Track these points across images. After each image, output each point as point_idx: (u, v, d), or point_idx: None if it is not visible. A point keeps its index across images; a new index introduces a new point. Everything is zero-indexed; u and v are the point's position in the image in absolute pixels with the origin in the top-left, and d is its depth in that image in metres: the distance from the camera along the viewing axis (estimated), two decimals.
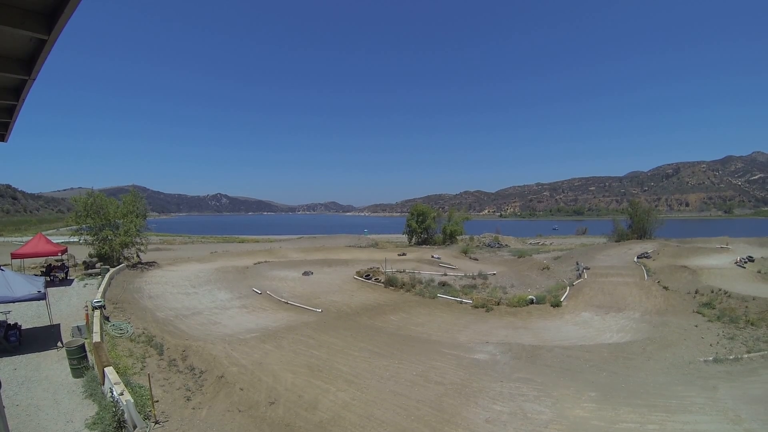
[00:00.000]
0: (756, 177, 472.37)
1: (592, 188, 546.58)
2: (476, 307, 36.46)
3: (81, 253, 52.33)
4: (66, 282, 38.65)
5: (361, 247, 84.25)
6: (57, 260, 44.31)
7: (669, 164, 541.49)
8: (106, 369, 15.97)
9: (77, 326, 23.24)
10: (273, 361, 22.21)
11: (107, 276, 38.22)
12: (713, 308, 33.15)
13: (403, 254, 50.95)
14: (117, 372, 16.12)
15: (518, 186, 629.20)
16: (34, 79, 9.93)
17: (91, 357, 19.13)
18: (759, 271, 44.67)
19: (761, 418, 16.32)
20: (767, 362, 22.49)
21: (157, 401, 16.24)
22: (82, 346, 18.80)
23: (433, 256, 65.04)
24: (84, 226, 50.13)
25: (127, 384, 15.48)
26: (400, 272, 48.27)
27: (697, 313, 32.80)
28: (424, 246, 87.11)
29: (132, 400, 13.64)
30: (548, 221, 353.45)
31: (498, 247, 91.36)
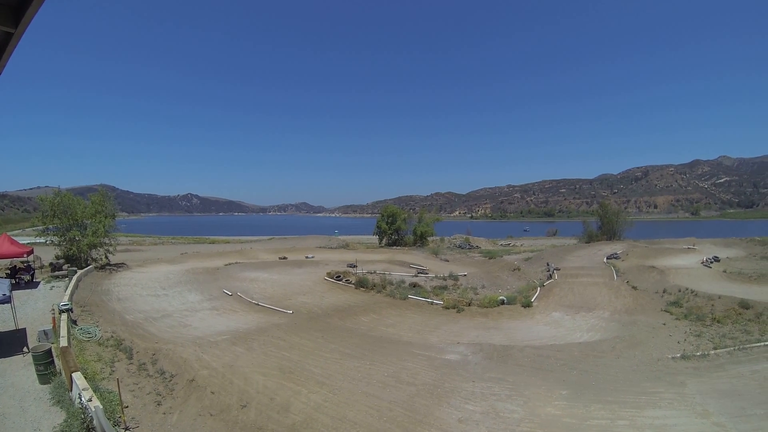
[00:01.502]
0: (722, 180, 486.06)
1: (563, 190, 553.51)
2: (447, 308, 36.78)
3: (48, 254, 51.22)
4: (32, 284, 37.81)
5: (331, 248, 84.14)
6: (22, 262, 43.26)
7: (638, 167, 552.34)
8: (73, 374, 15.79)
9: (44, 330, 22.84)
10: (244, 364, 22.17)
11: (75, 278, 37.55)
12: (681, 307, 34.29)
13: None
14: (85, 377, 15.96)
15: (489, 187, 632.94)
16: (0, 74, 9.79)
17: (58, 362, 18.86)
18: (724, 271, 46.28)
19: (728, 411, 17.03)
20: (733, 358, 23.36)
21: (127, 407, 16.13)
22: (49, 351, 18.51)
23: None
24: (51, 226, 49.03)
25: (95, 389, 15.32)
26: (371, 273, 48.39)
27: (665, 311, 33.82)
28: (394, 247, 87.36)
29: (101, 406, 13.49)
30: (519, 223, 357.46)
31: (469, 249, 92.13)
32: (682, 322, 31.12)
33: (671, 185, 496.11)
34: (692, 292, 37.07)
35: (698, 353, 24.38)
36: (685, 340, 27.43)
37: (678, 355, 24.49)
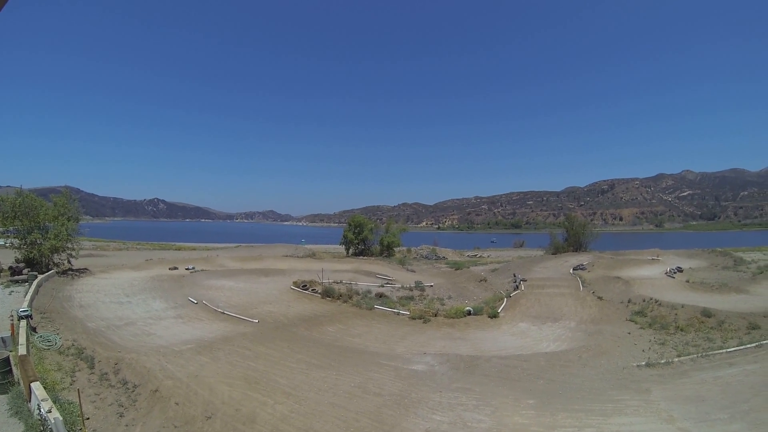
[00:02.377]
0: (685, 194, 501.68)
1: (530, 202, 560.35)
2: (413, 318, 36.91)
3: (7, 257, 49.81)
4: None
5: (298, 257, 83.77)
6: None
7: (605, 180, 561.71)
8: (32, 384, 15.47)
9: (1, 337, 22.28)
10: (209, 374, 21.97)
11: (35, 283, 36.72)
12: (645, 316, 35.11)
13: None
14: (45, 387, 15.64)
15: (457, 199, 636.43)
16: None
17: (16, 371, 18.42)
18: (687, 281, 47.85)
19: (693, 416, 17.56)
20: (697, 365, 24.05)
21: (88, 418, 15.86)
22: (7, 360, 18.12)
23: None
24: (11, 228, 47.88)
25: (55, 400, 15.04)
26: (337, 283, 48.37)
27: (630, 321, 34.57)
28: (361, 257, 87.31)
29: (61, 418, 13.25)
30: (486, 234, 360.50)
31: (435, 259, 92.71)
32: (647, 331, 31.86)
33: (636, 198, 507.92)
34: (656, 301, 38.05)
35: (662, 361, 24.98)
36: (649, 348, 28.07)
37: (643, 363, 25.04)
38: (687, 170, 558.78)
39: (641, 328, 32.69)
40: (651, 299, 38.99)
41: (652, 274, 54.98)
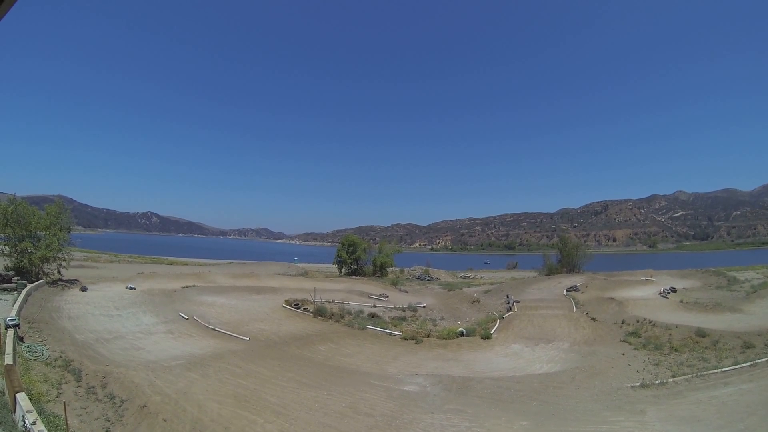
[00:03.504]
0: (678, 214, 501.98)
1: (524, 224, 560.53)
2: (406, 339, 36.70)
3: None
4: None
5: (290, 275, 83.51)
6: None
7: (598, 201, 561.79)
8: (18, 395, 15.18)
9: None
10: (198, 391, 21.64)
11: (24, 292, 36.39)
12: (639, 337, 35.02)
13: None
14: (30, 399, 15.36)
15: (450, 220, 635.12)
16: None
17: (1, 381, 18.07)
18: (681, 301, 47.72)
19: None
20: (691, 385, 23.92)
21: None
22: None
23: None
24: (2, 235, 47.50)
25: (40, 412, 14.75)
26: (330, 302, 48.14)
27: (624, 342, 34.47)
28: (354, 277, 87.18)
29: (45, 431, 12.97)
30: (480, 255, 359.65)
31: (428, 280, 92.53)
32: (641, 351, 31.73)
33: (630, 219, 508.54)
34: (650, 322, 37.93)
35: (657, 381, 24.87)
36: (644, 369, 27.94)
37: (637, 384, 24.92)
38: (680, 191, 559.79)
39: (635, 348, 32.59)
40: (645, 320, 38.90)
41: (645, 294, 54.89)
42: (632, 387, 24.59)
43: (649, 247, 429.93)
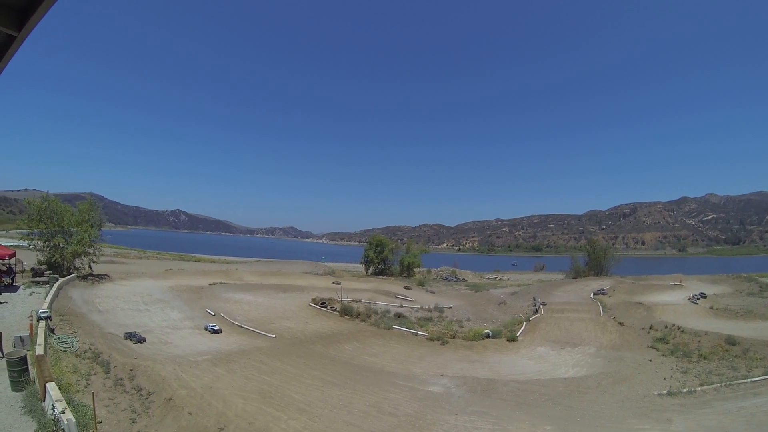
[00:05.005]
0: (709, 218, 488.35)
1: (551, 225, 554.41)
2: (431, 339, 36.50)
3: (30, 258, 50.45)
4: (12, 288, 37.11)
5: (317, 274, 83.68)
6: (4, 264, 42.54)
7: (627, 204, 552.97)
8: (48, 384, 15.30)
9: (20, 336, 22.29)
10: (224, 386, 21.68)
11: (56, 285, 36.93)
12: (667, 343, 34.08)
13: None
14: (60, 388, 15.45)
15: (478, 221, 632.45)
16: None
17: (32, 370, 18.29)
18: (711, 307, 46.35)
19: None
20: (720, 394, 23.17)
21: (101, 422, 15.61)
22: (24, 358, 17.98)
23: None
24: (36, 230, 48.48)
25: (69, 402, 14.84)
26: (356, 302, 48.07)
27: (652, 348, 33.64)
28: (380, 276, 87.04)
29: (74, 420, 13.03)
30: (507, 257, 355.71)
31: (455, 281, 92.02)
32: (669, 358, 30.90)
33: (659, 222, 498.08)
34: (679, 328, 36.87)
35: (685, 390, 24.19)
36: (671, 376, 27.23)
37: (664, 391, 24.29)
38: (711, 193, 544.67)
39: (663, 355, 31.78)
40: (673, 326, 37.85)
41: (674, 299, 53.54)
42: (659, 394, 23.98)
43: (679, 251, 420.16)
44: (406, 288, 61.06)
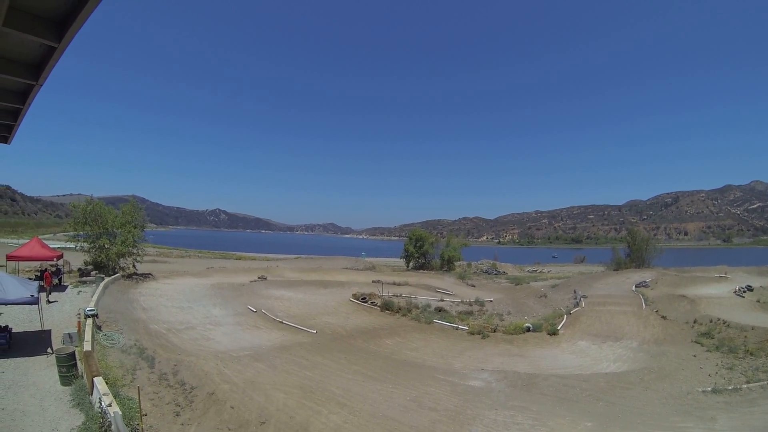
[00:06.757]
0: (755, 206, 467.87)
1: (591, 216, 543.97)
2: (472, 333, 36.12)
3: (77, 259, 51.95)
4: (60, 288, 38.27)
5: (358, 269, 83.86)
6: (52, 265, 43.95)
7: (668, 193, 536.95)
8: (95, 379, 15.63)
9: (68, 333, 22.90)
10: (265, 381, 21.84)
11: (102, 285, 37.88)
12: (712, 338, 32.77)
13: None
14: (106, 382, 15.76)
15: (517, 213, 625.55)
16: (42, 85, 9.82)
17: (80, 365, 18.76)
18: (758, 301, 44.30)
19: None
20: (767, 392, 22.25)
21: (146, 415, 15.86)
22: (73, 354, 18.47)
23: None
24: (81, 233, 49.97)
25: (115, 395, 15.14)
26: (397, 296, 47.93)
27: (696, 342, 32.42)
28: (421, 271, 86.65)
29: (120, 412, 13.27)
30: (547, 249, 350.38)
31: (495, 274, 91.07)
32: (714, 354, 29.72)
33: (702, 211, 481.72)
34: (724, 322, 35.47)
35: (730, 387, 23.33)
36: (716, 372, 26.24)
37: (709, 388, 23.45)
38: (756, 180, 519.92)
39: (708, 350, 30.57)
40: (718, 320, 36.43)
41: (719, 292, 51.50)
42: (703, 391, 23.11)
43: (723, 241, 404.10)
44: (446, 290, 60.64)
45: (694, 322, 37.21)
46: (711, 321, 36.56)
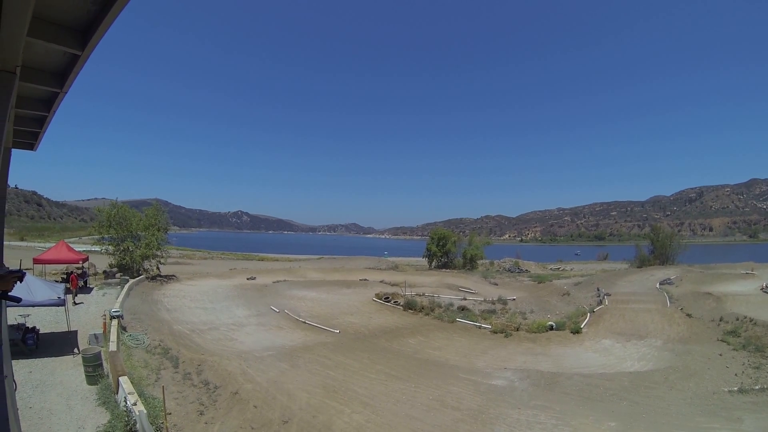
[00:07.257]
0: None
1: (614, 213, 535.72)
2: (495, 332, 35.79)
3: (102, 262, 52.80)
4: (85, 290, 38.86)
5: (380, 269, 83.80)
6: (78, 268, 44.67)
7: (692, 188, 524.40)
8: (120, 378, 15.83)
9: (94, 334, 23.20)
10: (288, 380, 21.89)
11: (126, 286, 38.37)
12: (738, 336, 31.78)
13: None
14: (131, 382, 15.95)
15: (539, 211, 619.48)
16: (66, 92, 9.92)
17: (106, 365, 19.03)
18: None
19: None
20: None
21: (170, 414, 15.97)
22: (98, 354, 18.70)
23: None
24: (106, 236, 50.71)
25: (140, 394, 15.27)
26: (420, 295, 47.74)
27: (722, 341, 31.51)
28: (444, 270, 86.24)
29: (145, 411, 13.41)
30: (569, 246, 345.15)
31: (518, 272, 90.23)
32: (740, 352, 28.82)
33: (727, 206, 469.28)
34: (751, 320, 34.39)
35: (757, 387, 22.72)
36: (743, 372, 25.49)
37: (735, 388, 22.86)
38: None
39: (734, 349, 29.63)
40: (745, 318, 35.29)
41: (746, 289, 50.19)
42: (729, 391, 22.49)
43: (750, 237, 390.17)
44: (469, 289, 60.35)
45: (720, 320, 36.32)
46: (737, 319, 35.58)
